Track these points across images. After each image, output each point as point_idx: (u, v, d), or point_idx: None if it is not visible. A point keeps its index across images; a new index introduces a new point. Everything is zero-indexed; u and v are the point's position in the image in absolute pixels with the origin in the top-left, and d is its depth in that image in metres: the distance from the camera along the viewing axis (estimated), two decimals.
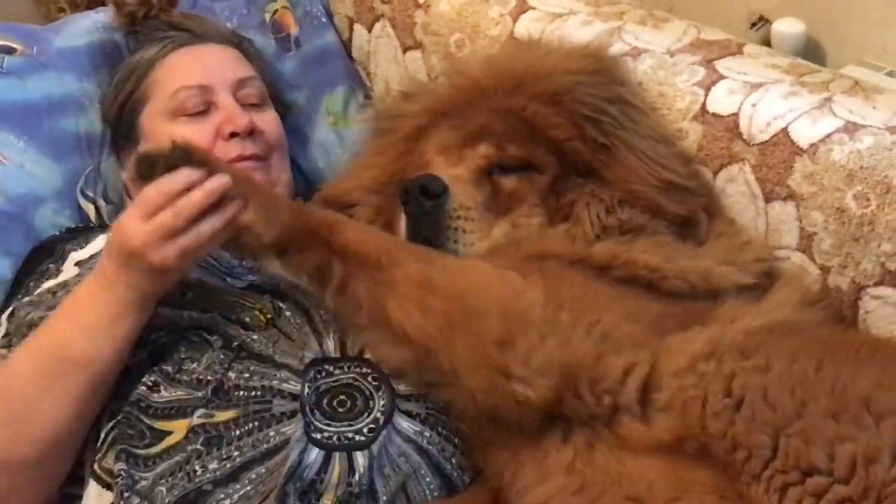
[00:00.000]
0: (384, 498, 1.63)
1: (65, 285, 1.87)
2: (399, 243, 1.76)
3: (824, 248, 1.83)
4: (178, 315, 1.77)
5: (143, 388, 1.71)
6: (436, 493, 1.69)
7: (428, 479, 1.68)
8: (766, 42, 2.54)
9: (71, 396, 1.68)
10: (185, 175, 1.61)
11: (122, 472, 1.64)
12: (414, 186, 1.79)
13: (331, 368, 1.73)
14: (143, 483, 1.64)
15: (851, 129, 1.83)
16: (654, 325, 1.63)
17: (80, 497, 1.79)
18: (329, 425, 1.67)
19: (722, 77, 2.00)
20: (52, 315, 1.74)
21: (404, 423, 1.70)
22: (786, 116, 1.89)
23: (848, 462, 1.42)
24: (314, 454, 1.63)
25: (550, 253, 1.74)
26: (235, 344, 1.75)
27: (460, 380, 1.57)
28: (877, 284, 1.77)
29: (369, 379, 1.72)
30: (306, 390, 1.68)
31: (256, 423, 1.65)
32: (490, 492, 1.68)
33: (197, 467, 1.62)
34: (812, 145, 1.84)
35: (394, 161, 2.01)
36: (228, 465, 1.62)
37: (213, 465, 1.62)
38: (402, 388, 1.72)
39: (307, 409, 1.67)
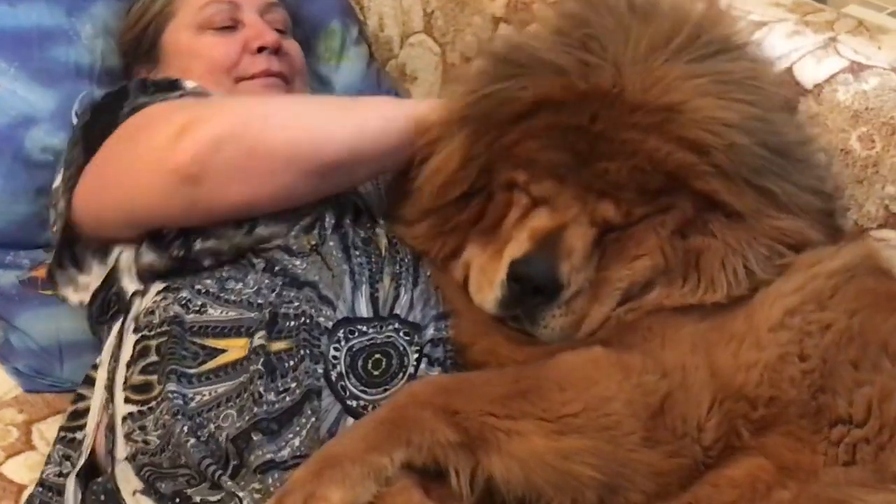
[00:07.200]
0: None
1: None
2: (501, 392, 1.51)
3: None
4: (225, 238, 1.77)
5: (192, 314, 1.70)
6: None
7: None
8: None
9: None
10: None
11: (171, 394, 1.61)
12: (528, 279, 1.60)
13: (364, 328, 1.69)
14: (198, 399, 1.61)
15: (857, 69, 1.82)
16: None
17: (86, 398, 1.82)
18: (365, 392, 1.64)
19: None
20: None
21: (428, 372, 1.68)
22: (790, 56, 1.88)
23: (864, 406, 1.44)
24: (350, 422, 1.60)
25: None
26: (278, 268, 1.73)
27: (632, 491, 1.47)
28: (880, 227, 1.77)
29: (401, 334, 1.69)
30: (332, 352, 1.65)
31: (308, 352, 1.63)
32: None
33: (261, 388, 1.58)
34: (817, 86, 1.84)
35: (481, 155, 1.70)
36: (288, 399, 1.59)
37: (271, 397, 1.59)
38: (427, 334, 1.71)
39: (343, 373, 1.64)
